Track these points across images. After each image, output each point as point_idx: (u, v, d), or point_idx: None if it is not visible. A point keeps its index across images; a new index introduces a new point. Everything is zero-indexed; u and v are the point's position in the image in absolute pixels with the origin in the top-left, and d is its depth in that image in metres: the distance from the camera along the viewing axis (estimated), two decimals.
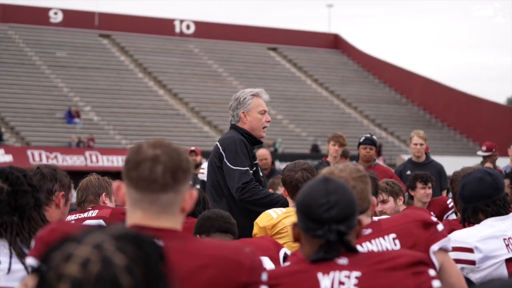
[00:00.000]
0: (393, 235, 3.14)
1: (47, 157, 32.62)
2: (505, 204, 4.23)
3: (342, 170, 3.15)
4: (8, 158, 30.18)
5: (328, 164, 9.84)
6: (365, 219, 3.16)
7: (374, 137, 9.55)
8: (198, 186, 10.74)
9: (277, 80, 48.66)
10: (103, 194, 5.59)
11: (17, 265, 3.28)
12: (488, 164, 10.43)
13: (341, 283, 2.63)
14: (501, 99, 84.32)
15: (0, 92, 39.53)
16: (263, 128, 6.05)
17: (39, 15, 47.51)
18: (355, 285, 2.62)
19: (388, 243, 3.14)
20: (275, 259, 3.94)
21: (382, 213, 6.26)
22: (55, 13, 48.14)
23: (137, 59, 47.40)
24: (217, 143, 6.00)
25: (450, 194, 6.52)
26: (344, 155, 10.14)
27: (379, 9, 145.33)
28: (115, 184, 2.49)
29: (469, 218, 4.23)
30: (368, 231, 3.13)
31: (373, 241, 3.10)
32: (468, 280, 3.92)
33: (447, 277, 3.20)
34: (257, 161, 6.11)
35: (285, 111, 44.98)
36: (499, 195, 4.22)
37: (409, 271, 2.66)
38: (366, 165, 9.11)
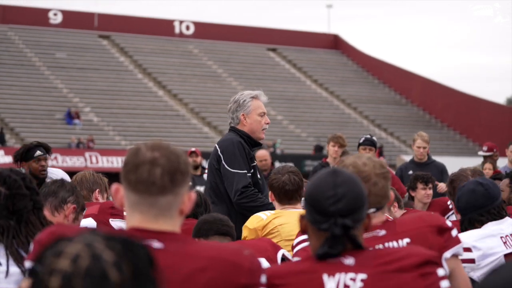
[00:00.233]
0: (407, 240, 3.07)
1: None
2: (500, 212, 4.27)
3: (365, 164, 3.09)
4: (8, 159, 30.13)
5: (327, 165, 9.83)
6: (381, 216, 3.10)
7: (374, 138, 9.54)
8: (198, 188, 10.74)
9: (276, 80, 48.66)
10: (97, 190, 5.58)
11: (14, 268, 3.27)
12: (489, 165, 10.44)
13: (346, 286, 2.59)
14: (501, 99, 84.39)
15: (0, 93, 39.53)
16: (263, 130, 6.06)
17: (39, 16, 47.52)
18: None
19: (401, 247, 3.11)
20: (272, 261, 3.93)
21: None
22: (55, 14, 48.14)
23: (137, 60, 47.41)
24: (216, 145, 6.01)
25: None
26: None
27: (379, 9, 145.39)
28: (113, 187, 2.48)
29: (467, 229, 4.27)
30: (382, 232, 3.07)
31: (386, 244, 3.05)
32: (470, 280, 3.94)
33: (456, 284, 3.17)
34: (255, 163, 6.11)
35: (285, 112, 44.98)
36: (493, 203, 4.26)
37: (417, 272, 2.62)
38: None
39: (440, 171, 9.86)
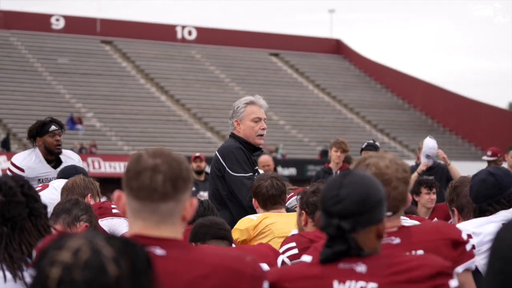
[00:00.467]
0: (420, 252, 3.03)
1: None
2: (510, 201, 4.29)
3: (388, 167, 3.04)
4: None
5: (330, 170, 9.83)
6: (396, 220, 3.06)
7: (377, 143, 9.53)
8: (202, 193, 10.73)
9: (279, 85, 48.66)
10: (89, 195, 5.58)
11: (8, 275, 3.26)
12: None
13: None
14: (503, 104, 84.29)
15: (2, 99, 39.58)
16: (258, 135, 6.06)
17: (41, 22, 47.56)
18: None
19: None
20: (273, 266, 3.92)
21: None
22: (57, 20, 48.18)
23: (139, 65, 47.43)
24: (216, 152, 6.03)
25: None
26: (347, 161, 10.13)
27: (381, 14, 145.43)
28: (115, 194, 2.48)
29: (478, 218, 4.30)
30: (396, 240, 3.03)
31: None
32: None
33: None
34: (257, 167, 6.11)
35: (287, 117, 44.97)
36: (504, 193, 4.28)
37: (429, 284, 2.58)
38: None
39: (446, 173, 9.83)
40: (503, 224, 1.48)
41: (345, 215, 2.58)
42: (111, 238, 1.76)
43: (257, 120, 6.06)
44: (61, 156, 7.04)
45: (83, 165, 7.07)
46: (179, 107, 44.19)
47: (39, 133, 6.95)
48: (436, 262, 2.65)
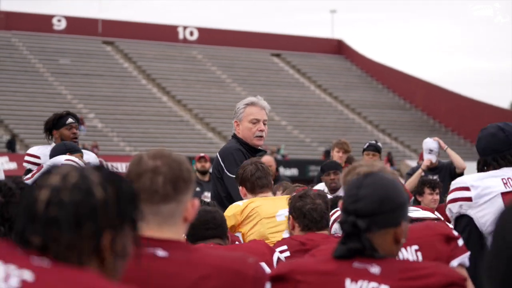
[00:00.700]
0: (415, 247, 3.08)
1: None
2: None
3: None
4: (12, 166, 30.18)
5: None
6: None
7: (379, 144, 9.53)
8: (206, 193, 10.71)
9: (280, 86, 48.69)
10: None
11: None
12: None
13: None
14: (504, 104, 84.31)
15: (4, 100, 39.61)
16: (257, 137, 6.05)
17: (43, 23, 47.61)
18: None
19: (410, 254, 3.10)
20: (270, 264, 3.92)
21: None
22: (59, 20, 48.23)
23: (141, 65, 47.46)
24: (217, 154, 6.03)
25: None
26: (349, 162, 10.11)
27: (382, 14, 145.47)
28: None
29: (481, 171, 4.37)
30: None
31: None
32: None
33: None
34: None
35: (289, 117, 45.00)
36: (511, 150, 4.34)
37: None
38: None
39: (450, 171, 9.82)
40: (503, 210, 1.50)
41: (362, 214, 2.60)
42: (98, 167, 1.85)
43: (255, 121, 6.05)
44: None
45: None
46: (180, 108, 44.22)
47: (56, 126, 6.92)
48: (451, 272, 2.65)
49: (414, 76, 52.21)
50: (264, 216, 4.89)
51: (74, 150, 6.27)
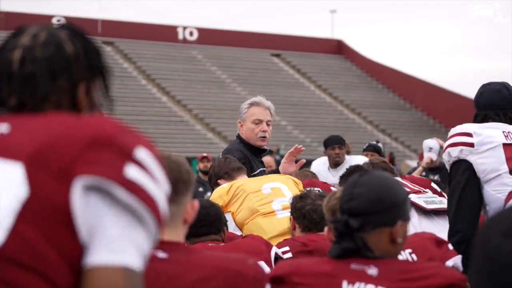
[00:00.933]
0: (409, 250, 3.09)
1: None
2: None
3: None
4: None
5: None
6: None
7: (379, 144, 9.53)
8: (209, 193, 10.69)
9: (280, 86, 48.70)
10: None
11: None
12: None
13: None
14: None
15: None
16: (259, 137, 6.04)
17: (42, 23, 47.55)
18: None
19: (404, 257, 3.09)
20: (269, 262, 3.91)
21: None
22: (58, 21, 47.72)
23: (140, 66, 47.49)
24: (220, 154, 6.06)
25: None
26: None
27: (382, 14, 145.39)
28: None
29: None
30: None
31: None
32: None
33: None
34: (262, 169, 6.08)
35: (289, 117, 45.01)
36: None
37: None
38: None
39: None
40: (487, 220, 1.48)
41: (355, 213, 2.58)
42: (64, 25, 1.95)
43: (258, 122, 6.03)
44: None
45: None
46: (180, 108, 44.23)
47: None
48: (451, 273, 2.62)
49: (414, 76, 52.21)
50: (250, 191, 4.93)
51: None
